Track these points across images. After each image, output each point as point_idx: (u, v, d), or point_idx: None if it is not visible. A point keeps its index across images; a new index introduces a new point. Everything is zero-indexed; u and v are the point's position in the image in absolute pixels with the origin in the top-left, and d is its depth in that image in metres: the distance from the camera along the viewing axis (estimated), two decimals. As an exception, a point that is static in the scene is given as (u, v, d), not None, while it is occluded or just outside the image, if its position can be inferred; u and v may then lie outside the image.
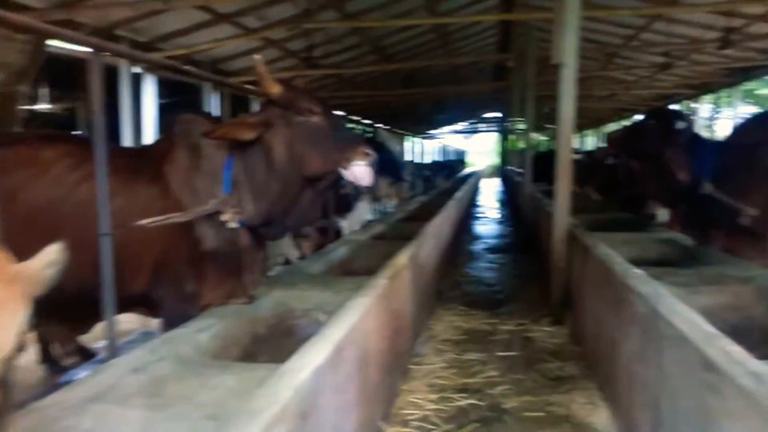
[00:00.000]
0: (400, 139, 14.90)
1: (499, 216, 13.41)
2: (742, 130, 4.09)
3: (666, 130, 3.99)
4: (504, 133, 21.99)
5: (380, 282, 2.77)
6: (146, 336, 3.82)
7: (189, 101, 7.86)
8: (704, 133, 5.81)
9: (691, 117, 4.93)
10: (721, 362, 1.56)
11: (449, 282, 6.09)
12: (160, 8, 5.02)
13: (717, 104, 19.36)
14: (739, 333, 2.81)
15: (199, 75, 5.47)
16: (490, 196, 20.05)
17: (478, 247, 8.66)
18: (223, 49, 7.07)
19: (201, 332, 2.42)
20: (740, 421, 1.45)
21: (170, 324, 2.53)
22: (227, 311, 2.69)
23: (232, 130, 2.49)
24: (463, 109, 21.19)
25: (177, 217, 2.42)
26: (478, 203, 16.80)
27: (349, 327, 2.05)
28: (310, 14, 6.00)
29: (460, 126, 30.24)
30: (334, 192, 5.25)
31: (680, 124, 3.94)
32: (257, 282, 2.91)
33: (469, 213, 13.18)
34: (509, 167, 15.74)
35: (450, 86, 13.27)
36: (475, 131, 32.53)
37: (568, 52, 4.00)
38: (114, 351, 2.27)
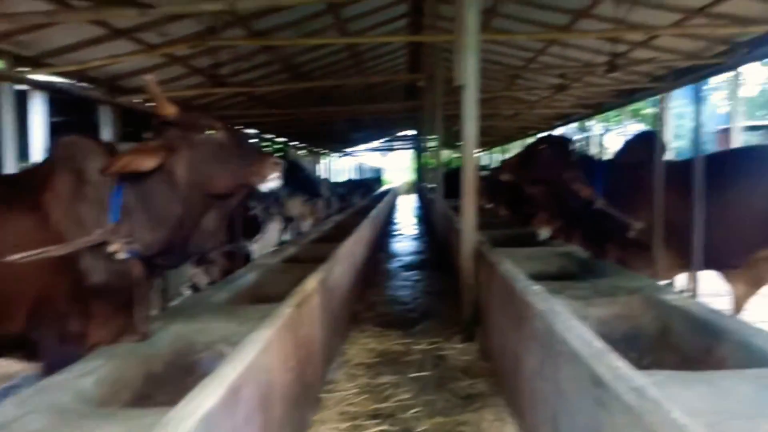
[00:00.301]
0: (317, 157, 14.81)
1: (415, 233, 13.62)
2: (626, 148, 4.42)
3: (559, 155, 4.23)
4: (418, 150, 22.52)
5: (285, 311, 2.67)
6: (30, 381, 3.46)
7: (84, 120, 7.35)
8: (596, 150, 6.29)
9: (577, 140, 5.27)
10: (608, 378, 1.62)
11: (364, 303, 6.05)
12: (44, 22, 4.65)
13: (608, 122, 21.03)
14: (629, 341, 3.00)
15: (87, 93, 5.12)
16: (406, 213, 20.37)
17: (394, 265, 8.71)
18: (122, 66, 6.69)
19: (84, 377, 2.20)
20: (626, 436, 1.50)
21: (52, 369, 2.29)
22: (117, 351, 2.48)
23: (132, 161, 2.32)
24: (379, 127, 21.49)
25: (54, 251, 2.20)
26: (394, 221, 17.00)
27: (247, 364, 1.94)
28: (215, 31, 5.82)
29: (376, 144, 30.63)
30: (243, 214, 5.06)
31: (569, 148, 4.19)
32: (150, 317, 2.71)
33: (385, 231, 13.29)
34: (424, 184, 16.10)
35: (364, 105, 13.42)
36: (391, 149, 33.08)
37: (469, 74, 4.14)
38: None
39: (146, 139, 2.55)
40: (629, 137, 4.84)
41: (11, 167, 5.64)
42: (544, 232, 4.89)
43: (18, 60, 5.79)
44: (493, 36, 7.45)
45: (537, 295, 2.68)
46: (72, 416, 1.89)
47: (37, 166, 2.78)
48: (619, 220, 3.95)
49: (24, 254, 2.14)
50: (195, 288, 5.09)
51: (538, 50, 8.93)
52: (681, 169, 3.71)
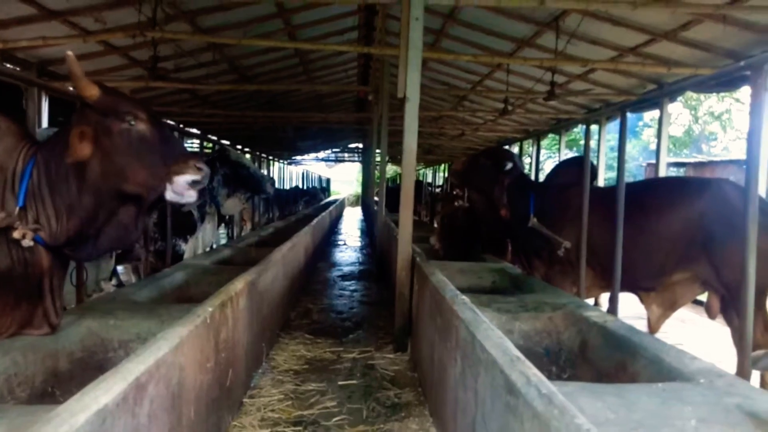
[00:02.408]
0: (262, 162, 14.55)
1: (358, 244, 13.59)
2: (555, 173, 4.60)
3: (495, 169, 4.35)
4: (365, 163, 22.58)
5: (206, 309, 2.57)
6: None
7: (9, 103, 6.89)
8: (533, 174, 6.55)
9: (521, 159, 5.48)
10: (520, 385, 1.64)
11: (298, 310, 5.95)
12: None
13: (548, 149, 21.91)
14: (551, 355, 3.08)
15: (10, 73, 4.80)
16: (352, 224, 20.33)
17: (334, 274, 8.64)
18: (53, 50, 6.33)
19: (-25, 370, 2.03)
20: (534, 442, 1.52)
21: (-60, 361, 2.10)
22: (17, 344, 2.30)
23: (79, 150, 2.21)
24: (327, 137, 21.39)
25: (-51, 233, 2.02)
26: (338, 231, 16.92)
27: (155, 361, 1.84)
28: (156, 23, 5.62)
29: (324, 154, 30.50)
30: (176, 211, 4.87)
31: (508, 165, 4.32)
32: (61, 309, 2.54)
33: (328, 240, 13.19)
34: (370, 197, 16.15)
35: (313, 113, 13.32)
36: (338, 160, 33.02)
37: (411, 87, 4.19)
38: None
39: (66, 123, 2.39)
40: (561, 161, 5.04)
41: None
42: (433, 241, 5.06)
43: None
44: (440, 55, 7.63)
45: (463, 304, 2.71)
46: (-47, 411, 1.72)
47: None
48: (549, 238, 4.08)
49: None
50: (121, 286, 4.83)
51: (485, 74, 9.20)
52: (605, 194, 3.89)
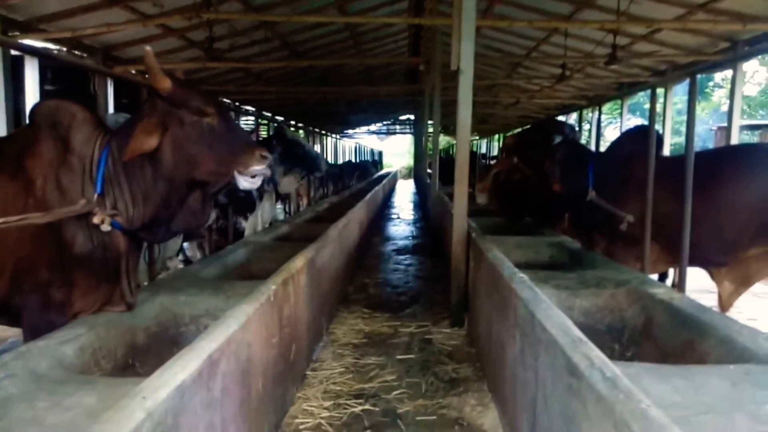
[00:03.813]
0: (315, 137, 14.73)
1: (411, 217, 13.62)
2: (618, 143, 4.41)
3: (546, 142, 4.22)
4: (417, 135, 22.42)
5: (269, 287, 2.66)
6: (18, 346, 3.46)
7: (79, 89, 7.26)
8: (593, 143, 6.26)
9: (575, 129, 5.26)
10: (583, 367, 1.63)
11: (355, 285, 6.07)
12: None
13: (609, 115, 20.92)
14: (613, 333, 3.02)
15: (77, 62, 5.04)
16: (404, 197, 20.36)
17: (389, 248, 8.72)
18: (116, 35, 6.60)
19: (65, 344, 2.20)
20: (597, 426, 1.51)
21: (34, 335, 2.30)
22: (99, 320, 2.48)
23: (139, 144, 2.29)
24: (378, 110, 21.35)
25: (36, 218, 2.17)
26: (392, 204, 17.00)
27: (226, 338, 1.94)
28: (211, 4, 5.73)
29: (376, 127, 30.49)
30: (235, 190, 5.03)
31: (558, 138, 4.17)
32: (136, 288, 2.71)
33: (382, 214, 13.29)
34: (423, 169, 16.07)
35: (364, 86, 13.31)
36: (390, 132, 32.94)
37: (464, 58, 4.10)
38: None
39: (140, 113, 2.50)
40: (624, 131, 4.82)
41: (3, 132, 5.58)
42: (480, 198, 4.92)
43: (8, 24, 5.69)
44: (494, 23, 7.40)
45: (522, 282, 2.69)
46: (51, 382, 1.89)
47: (21, 131, 2.73)
48: (610, 213, 3.95)
49: (3, 220, 2.11)
50: (187, 262, 5.08)
51: (540, 39, 8.85)
52: (673, 164, 3.70)
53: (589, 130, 12.13)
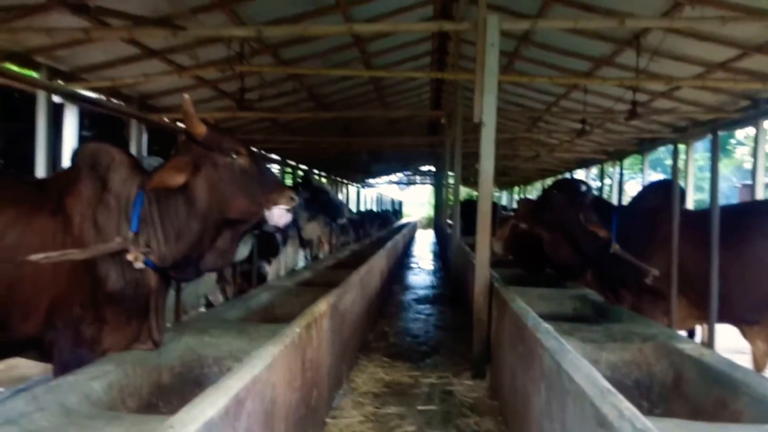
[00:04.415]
0: (337, 186, 14.97)
1: (431, 267, 13.58)
2: (641, 196, 4.42)
3: (572, 198, 4.24)
4: (438, 186, 22.63)
5: (293, 330, 2.68)
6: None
7: (114, 135, 7.58)
8: (615, 196, 6.27)
9: (591, 184, 5.29)
10: (612, 418, 1.60)
11: (375, 333, 6.02)
12: (81, 38, 4.86)
13: (630, 170, 20.93)
14: (641, 389, 2.94)
15: (117, 108, 5.29)
16: (424, 247, 20.35)
17: (409, 297, 8.68)
18: (152, 85, 6.94)
19: (94, 380, 2.24)
20: (630, 478, 1.47)
21: (64, 370, 2.34)
22: (128, 357, 2.51)
23: (166, 178, 2.40)
24: (400, 160, 21.70)
25: (74, 254, 2.26)
26: (411, 253, 16.98)
27: (252, 378, 1.95)
28: (243, 57, 6.02)
29: (397, 177, 30.87)
30: (260, 234, 5.13)
31: (584, 189, 4.21)
32: (163, 326, 2.75)
33: (401, 263, 13.27)
34: (442, 220, 16.15)
35: (386, 138, 13.62)
36: (411, 183, 33.29)
37: (487, 112, 4.21)
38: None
39: (174, 156, 2.62)
40: (646, 185, 4.83)
41: (42, 173, 5.83)
42: (496, 246, 4.85)
43: (54, 74, 6.04)
44: (515, 78, 7.60)
45: (547, 333, 2.66)
46: (80, 417, 1.91)
47: (63, 172, 2.87)
48: (635, 266, 3.92)
49: (45, 255, 2.19)
50: (210, 304, 5.13)
51: (560, 95, 9.04)
52: (698, 218, 3.69)
53: (611, 185, 12.13)
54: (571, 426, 2.00)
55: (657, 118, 8.60)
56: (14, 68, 5.24)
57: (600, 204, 4.48)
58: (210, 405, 1.67)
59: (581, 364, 2.11)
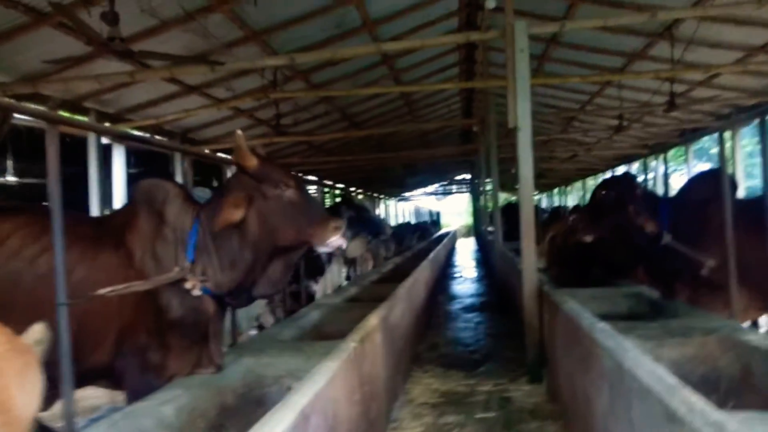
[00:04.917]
0: (375, 202, 15.10)
1: (474, 275, 13.47)
2: (690, 186, 4.30)
3: (622, 193, 4.17)
4: (475, 193, 22.48)
5: (349, 345, 2.73)
6: (113, 412, 3.65)
7: (159, 170, 7.90)
8: (659, 190, 6.11)
9: (640, 177, 5.16)
10: (683, 413, 1.57)
11: (426, 344, 6.02)
12: (126, 81, 5.13)
13: (673, 162, 20.30)
14: (706, 384, 2.85)
15: (163, 144, 5.53)
16: (465, 255, 20.20)
17: (455, 307, 8.63)
18: (193, 119, 7.22)
19: (165, 405, 2.33)
20: (706, 472, 1.44)
21: (134, 396, 2.44)
22: (193, 382, 2.61)
23: (228, 216, 2.51)
24: (434, 171, 21.70)
25: (138, 286, 2.38)
26: (454, 263, 16.88)
27: (314, 394, 2.00)
28: (277, 84, 6.21)
29: (433, 188, 30.84)
30: (306, 255, 5.23)
31: (633, 183, 4.13)
32: (222, 350, 2.84)
33: (444, 273, 13.21)
34: (482, 227, 16.03)
35: (420, 150, 13.68)
36: (447, 193, 33.19)
37: (521, 117, 4.21)
38: (72, 428, 2.15)
39: (226, 187, 2.74)
40: (694, 175, 4.71)
41: (96, 212, 6.12)
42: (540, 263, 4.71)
43: (101, 116, 6.37)
44: (546, 80, 7.54)
45: (604, 332, 2.62)
46: (155, 440, 2.00)
47: (122, 208, 3.03)
48: (690, 258, 3.81)
49: (111, 289, 2.32)
50: (261, 327, 5.25)
51: (594, 93, 8.91)
52: (752, 205, 3.57)
53: (654, 179, 11.80)
54: (639, 424, 1.96)
55: (698, 107, 8.35)
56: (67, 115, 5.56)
57: (647, 197, 4.38)
58: (278, 422, 1.72)
59: (643, 361, 2.08)
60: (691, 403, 1.62)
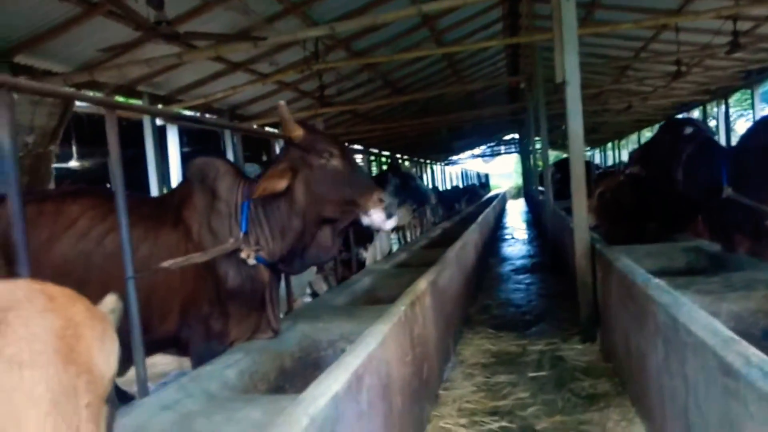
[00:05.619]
0: (421, 167, 15.04)
1: (525, 236, 13.29)
2: (753, 134, 4.05)
3: (674, 141, 3.98)
4: (524, 153, 21.95)
5: (399, 309, 2.80)
6: (181, 377, 3.92)
7: (211, 148, 8.15)
8: (723, 139, 5.74)
9: (704, 123, 4.87)
10: (739, 366, 1.54)
11: (477, 306, 6.05)
12: (175, 63, 5.27)
13: (738, 107, 19.03)
14: (771, 337, 2.76)
15: (211, 121, 5.69)
16: (516, 216, 19.91)
17: (506, 268, 8.59)
18: (239, 96, 7.36)
19: (228, 368, 2.48)
20: (763, 425, 1.42)
21: (200, 362, 2.60)
22: (253, 346, 2.75)
23: (270, 185, 2.59)
24: (481, 133, 21.29)
25: (197, 258, 2.51)
26: (504, 225, 16.70)
27: (367, 355, 2.08)
28: (319, 56, 6.22)
29: (480, 150, 30.32)
30: (354, 223, 5.32)
31: (687, 131, 3.92)
32: (278, 316, 2.97)
33: (495, 235, 13.10)
34: (533, 187, 15.69)
35: (465, 112, 13.42)
36: (495, 154, 32.56)
37: (570, 69, 4.05)
38: (144, 391, 2.34)
39: (270, 162, 2.81)
40: (757, 120, 4.42)
41: (155, 191, 6.42)
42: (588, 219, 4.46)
43: (154, 99, 6.60)
44: (596, 29, 7.17)
45: (658, 287, 2.57)
46: (222, 400, 2.15)
47: (178, 187, 3.17)
48: (753, 209, 3.63)
49: (173, 261, 2.46)
50: (315, 294, 5.42)
51: (648, 38, 8.41)
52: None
53: (717, 126, 11.14)
54: (693, 379, 1.94)
55: (765, 45, 7.75)
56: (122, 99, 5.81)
57: (707, 147, 4.15)
58: (334, 381, 1.81)
59: (698, 315, 2.03)
60: (748, 355, 1.58)
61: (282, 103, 2.62)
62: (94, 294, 1.02)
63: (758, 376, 1.47)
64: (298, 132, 2.63)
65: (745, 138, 4.15)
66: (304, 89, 8.26)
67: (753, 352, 1.60)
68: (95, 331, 0.84)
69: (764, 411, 1.40)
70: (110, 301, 1.00)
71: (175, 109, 6.78)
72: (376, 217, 2.66)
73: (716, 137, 9.31)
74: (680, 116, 9.77)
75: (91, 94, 5.15)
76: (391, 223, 2.73)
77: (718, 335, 1.78)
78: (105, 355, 0.84)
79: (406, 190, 6.39)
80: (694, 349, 1.91)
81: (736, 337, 1.74)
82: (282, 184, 2.61)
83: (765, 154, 3.67)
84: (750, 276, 3.14)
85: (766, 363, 1.50)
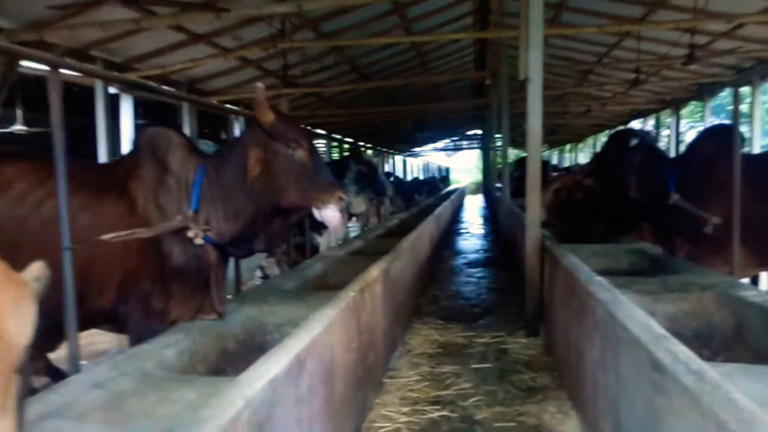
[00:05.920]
0: (384, 156, 15.01)
1: (481, 231, 13.51)
2: (697, 143, 4.22)
3: (621, 150, 4.11)
4: (485, 149, 22.25)
5: (348, 295, 2.78)
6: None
7: (166, 121, 7.87)
8: (673, 148, 5.99)
9: (647, 133, 5.05)
10: (667, 362, 1.60)
11: (428, 297, 6.11)
12: (133, 28, 5.04)
13: (690, 118, 19.84)
14: (700, 338, 2.89)
15: (169, 93, 5.49)
16: (473, 212, 20.21)
17: (459, 262, 8.71)
18: (199, 69, 7.11)
19: (167, 348, 2.41)
20: (684, 420, 1.48)
21: (138, 340, 2.52)
22: (195, 327, 2.68)
23: (253, 169, 2.56)
24: (445, 126, 21.42)
25: (141, 233, 2.42)
26: (461, 219, 16.92)
27: (311, 339, 2.06)
28: (285, 34, 6.07)
29: (443, 143, 30.55)
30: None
31: (633, 142, 4.05)
32: (225, 298, 2.91)
33: (451, 229, 13.26)
34: (492, 183, 15.95)
35: (431, 104, 13.44)
36: (457, 148, 32.87)
37: (533, 67, 4.10)
38: (76, 367, 2.25)
39: (239, 139, 2.74)
40: (702, 130, 4.61)
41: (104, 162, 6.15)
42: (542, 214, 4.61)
43: (109, 65, 6.30)
44: (561, 30, 7.29)
45: (600, 285, 2.65)
46: (157, 380, 2.08)
47: (126, 156, 3.04)
48: (695, 216, 3.79)
49: (114, 234, 2.36)
50: (266, 277, 5.35)
51: (611, 45, 8.62)
52: (758, 163, 3.51)
53: (669, 136, 11.57)
54: (625, 374, 2.01)
55: (718, 60, 8.06)
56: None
57: (654, 155, 4.32)
58: (274, 364, 1.78)
59: (634, 313, 2.10)
60: (676, 352, 1.64)
61: (260, 85, 2.54)
62: (27, 261, 0.96)
63: (683, 371, 1.53)
64: (269, 117, 2.55)
65: (690, 147, 4.32)
66: (267, 67, 8.05)
67: (681, 349, 1.66)
68: (9, 295, 0.80)
69: (686, 404, 1.46)
70: (36, 268, 0.94)
71: (131, 77, 6.50)
72: (330, 214, 2.61)
73: (661, 146, 9.67)
74: (621, 128, 10.10)
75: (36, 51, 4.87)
76: (341, 229, 2.72)
77: (650, 332, 1.85)
78: (19, 322, 0.80)
79: (366, 180, 6.37)
80: (628, 345, 1.97)
81: (668, 335, 1.81)
82: (258, 170, 2.56)
83: (708, 163, 3.83)
84: (686, 279, 3.27)
85: (693, 360, 1.57)
